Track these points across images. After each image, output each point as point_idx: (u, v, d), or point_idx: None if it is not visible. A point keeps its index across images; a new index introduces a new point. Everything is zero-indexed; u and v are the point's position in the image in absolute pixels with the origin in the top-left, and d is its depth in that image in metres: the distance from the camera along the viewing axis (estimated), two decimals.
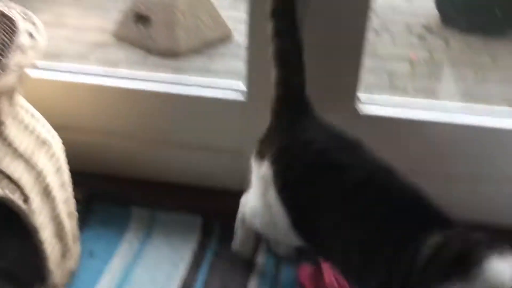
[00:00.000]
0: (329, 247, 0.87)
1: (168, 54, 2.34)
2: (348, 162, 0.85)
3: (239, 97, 1.19)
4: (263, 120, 1.18)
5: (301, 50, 0.94)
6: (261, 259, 1.15)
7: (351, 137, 0.90)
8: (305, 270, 1.10)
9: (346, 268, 0.88)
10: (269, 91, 1.14)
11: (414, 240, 0.78)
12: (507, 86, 2.16)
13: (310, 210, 0.87)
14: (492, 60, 2.34)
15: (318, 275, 1.08)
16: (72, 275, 1.09)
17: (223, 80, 1.24)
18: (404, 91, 2.09)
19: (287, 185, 0.90)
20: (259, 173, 0.95)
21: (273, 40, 0.94)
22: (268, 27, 0.94)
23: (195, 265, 1.13)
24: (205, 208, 1.23)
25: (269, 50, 0.95)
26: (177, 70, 2.26)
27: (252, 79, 1.15)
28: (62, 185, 1.03)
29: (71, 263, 1.09)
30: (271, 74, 1.12)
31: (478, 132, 1.15)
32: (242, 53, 1.16)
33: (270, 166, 0.91)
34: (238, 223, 1.09)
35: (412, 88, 2.11)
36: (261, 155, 0.95)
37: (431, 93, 2.12)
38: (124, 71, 1.31)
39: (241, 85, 1.19)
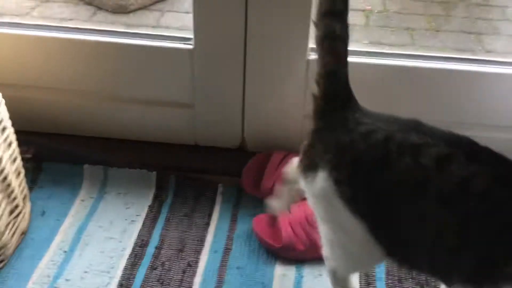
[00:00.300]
0: (416, 241, 0.75)
1: (117, 10, 2.26)
2: (420, 140, 0.74)
3: (187, 45, 1.16)
4: (212, 69, 1.17)
5: (348, 35, 0.81)
6: (217, 212, 1.15)
7: (408, 118, 0.79)
8: (260, 220, 1.10)
9: (433, 262, 0.75)
10: (216, 36, 1.13)
11: None
12: (459, 36, 2.19)
13: (390, 206, 0.75)
14: (444, 9, 2.36)
15: (273, 224, 1.09)
16: (24, 235, 1.07)
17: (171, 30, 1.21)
18: (358, 43, 2.09)
19: (356, 188, 0.77)
20: (314, 189, 0.81)
21: (323, 21, 0.80)
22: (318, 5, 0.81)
23: (151, 220, 1.13)
24: (158, 163, 1.22)
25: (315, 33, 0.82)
26: (127, 27, 2.19)
27: (198, 25, 1.13)
28: (7, 143, 1.00)
29: (23, 223, 1.06)
30: (218, 19, 1.10)
31: (427, 74, 1.16)
32: None
33: (329, 174, 0.78)
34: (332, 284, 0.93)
35: (367, 40, 2.11)
36: (311, 167, 0.81)
37: (384, 44, 2.13)
38: (69, 23, 1.25)
39: (189, 34, 1.16)
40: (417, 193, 0.72)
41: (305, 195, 0.85)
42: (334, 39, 0.80)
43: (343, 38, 0.80)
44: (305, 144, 0.84)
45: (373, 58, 1.17)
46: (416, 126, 0.77)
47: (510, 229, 0.69)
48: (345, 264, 0.88)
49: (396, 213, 0.75)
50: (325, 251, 0.89)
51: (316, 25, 0.81)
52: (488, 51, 2.07)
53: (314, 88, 0.83)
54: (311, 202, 0.85)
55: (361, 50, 1.17)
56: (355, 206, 0.77)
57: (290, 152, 1.19)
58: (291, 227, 1.06)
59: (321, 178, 0.79)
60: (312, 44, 1.14)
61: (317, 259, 1.04)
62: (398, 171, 0.74)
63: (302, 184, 0.84)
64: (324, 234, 0.86)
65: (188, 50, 1.15)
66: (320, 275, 1.03)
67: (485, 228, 0.70)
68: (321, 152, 0.80)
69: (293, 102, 1.18)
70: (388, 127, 0.77)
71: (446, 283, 0.78)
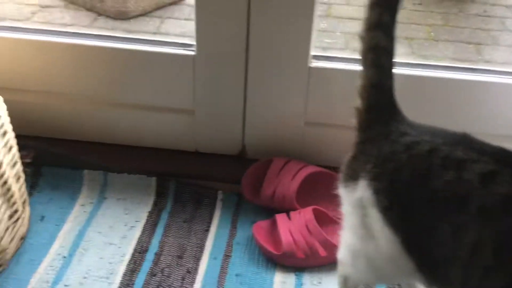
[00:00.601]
0: (451, 257, 0.73)
1: (118, 16, 2.28)
2: (465, 155, 0.73)
3: (189, 51, 1.16)
4: (214, 75, 1.17)
5: (395, 47, 0.81)
6: (217, 219, 1.15)
7: (456, 132, 0.78)
8: (260, 227, 1.10)
9: (467, 280, 0.73)
10: (218, 42, 1.13)
11: None
12: (458, 46, 2.20)
13: (427, 221, 0.74)
14: (443, 20, 2.38)
15: (273, 231, 1.09)
16: (23, 240, 1.07)
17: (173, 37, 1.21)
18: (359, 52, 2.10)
19: (395, 199, 0.76)
20: (352, 198, 0.81)
21: (369, 34, 0.80)
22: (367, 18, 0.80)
23: (150, 226, 1.12)
24: (158, 169, 1.22)
25: (360, 46, 0.81)
26: (128, 33, 2.20)
27: (201, 31, 1.13)
28: (7, 148, 1.00)
29: (22, 228, 1.06)
30: (220, 26, 1.11)
31: (425, 82, 1.16)
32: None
33: (369, 184, 0.78)
34: None
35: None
36: (353, 177, 0.81)
37: None
38: (70, 29, 1.25)
39: (190, 41, 1.16)
40: (458, 208, 0.71)
41: (342, 203, 0.85)
42: (379, 52, 0.80)
43: (388, 51, 0.80)
44: (348, 156, 0.84)
45: None
46: (464, 140, 0.76)
47: None
48: (364, 275, 0.87)
49: (433, 226, 0.73)
50: (343, 257, 0.88)
51: (362, 38, 0.80)
52: (487, 61, 2.08)
53: (357, 101, 0.83)
54: (346, 211, 0.84)
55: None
56: (392, 217, 0.77)
57: (290, 159, 1.19)
58: (291, 235, 1.06)
59: (361, 187, 0.79)
60: (314, 51, 1.14)
61: (316, 267, 1.05)
62: (439, 185, 0.72)
63: (341, 192, 0.84)
64: (348, 242, 0.86)
65: (190, 56, 1.16)
66: (320, 282, 1.03)
67: None
68: (363, 163, 0.80)
69: (294, 109, 1.19)
70: (434, 139, 0.76)
71: None
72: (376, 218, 0.78)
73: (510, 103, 1.16)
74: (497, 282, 0.70)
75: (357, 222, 0.82)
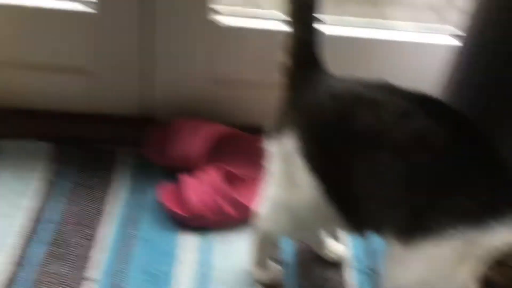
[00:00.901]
0: (369, 199, 0.77)
1: None
2: (383, 97, 0.77)
3: (90, 9, 1.10)
4: (116, 36, 1.12)
5: (318, 4, 0.84)
6: (120, 181, 1.10)
7: (378, 80, 0.81)
8: (166, 190, 1.07)
9: (379, 214, 0.78)
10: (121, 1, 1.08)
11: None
12: (361, 4, 2.24)
13: (346, 163, 0.77)
14: None
15: (179, 193, 1.06)
16: None
17: None
18: (261, 8, 2.09)
19: (317, 144, 0.80)
20: (278, 150, 0.84)
21: None
22: None
23: (47, 194, 1.06)
24: (55, 133, 1.15)
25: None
26: None
27: None
28: None
29: None
30: None
31: (328, 40, 1.15)
32: None
33: (294, 133, 0.81)
34: (254, 245, 0.95)
35: (273, 7, 2.11)
36: (280, 130, 0.84)
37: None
38: None
39: None
40: (374, 146, 0.76)
41: (268, 157, 0.87)
42: (304, 10, 0.84)
43: (312, 8, 0.84)
44: (277, 110, 0.86)
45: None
46: (383, 86, 0.80)
47: (447, 180, 0.72)
48: (285, 228, 0.90)
49: (352, 167, 0.77)
50: (264, 211, 0.90)
51: None
52: (388, 19, 2.14)
53: (284, 57, 0.86)
54: (271, 164, 0.87)
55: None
56: (315, 163, 0.80)
57: (198, 119, 1.16)
58: (199, 195, 1.03)
59: (287, 138, 0.82)
60: (212, 4, 1.11)
61: (226, 227, 1.04)
62: (358, 125, 0.77)
63: (268, 146, 0.86)
64: (271, 195, 0.88)
65: (91, 14, 1.09)
66: (230, 241, 1.02)
67: (426, 177, 0.73)
68: (289, 115, 0.84)
69: (201, 67, 1.16)
70: (355, 86, 0.80)
71: (385, 236, 0.79)
72: (300, 167, 0.81)
73: (413, 61, 1.19)
74: (404, 214, 0.74)
75: (282, 173, 0.85)
